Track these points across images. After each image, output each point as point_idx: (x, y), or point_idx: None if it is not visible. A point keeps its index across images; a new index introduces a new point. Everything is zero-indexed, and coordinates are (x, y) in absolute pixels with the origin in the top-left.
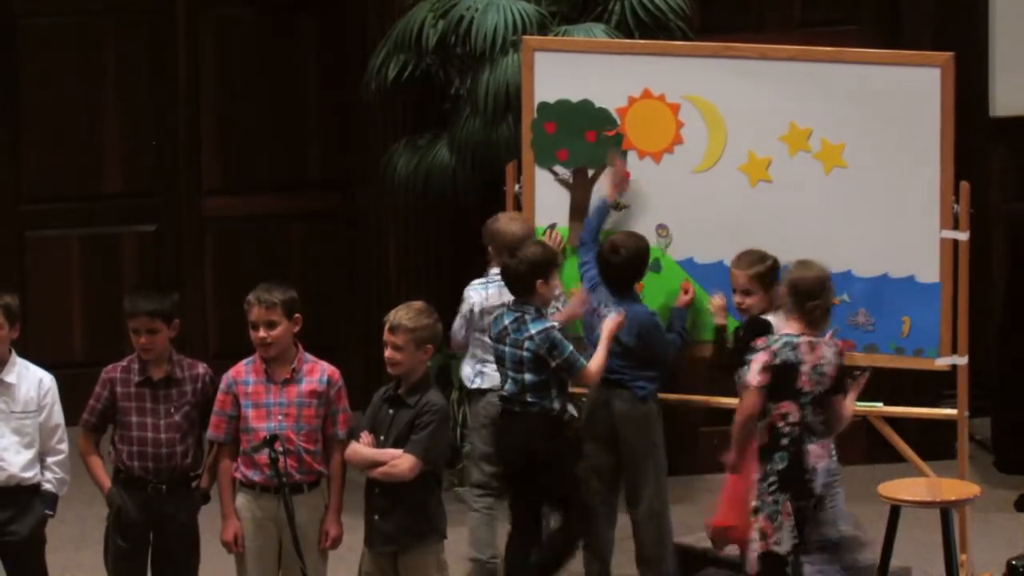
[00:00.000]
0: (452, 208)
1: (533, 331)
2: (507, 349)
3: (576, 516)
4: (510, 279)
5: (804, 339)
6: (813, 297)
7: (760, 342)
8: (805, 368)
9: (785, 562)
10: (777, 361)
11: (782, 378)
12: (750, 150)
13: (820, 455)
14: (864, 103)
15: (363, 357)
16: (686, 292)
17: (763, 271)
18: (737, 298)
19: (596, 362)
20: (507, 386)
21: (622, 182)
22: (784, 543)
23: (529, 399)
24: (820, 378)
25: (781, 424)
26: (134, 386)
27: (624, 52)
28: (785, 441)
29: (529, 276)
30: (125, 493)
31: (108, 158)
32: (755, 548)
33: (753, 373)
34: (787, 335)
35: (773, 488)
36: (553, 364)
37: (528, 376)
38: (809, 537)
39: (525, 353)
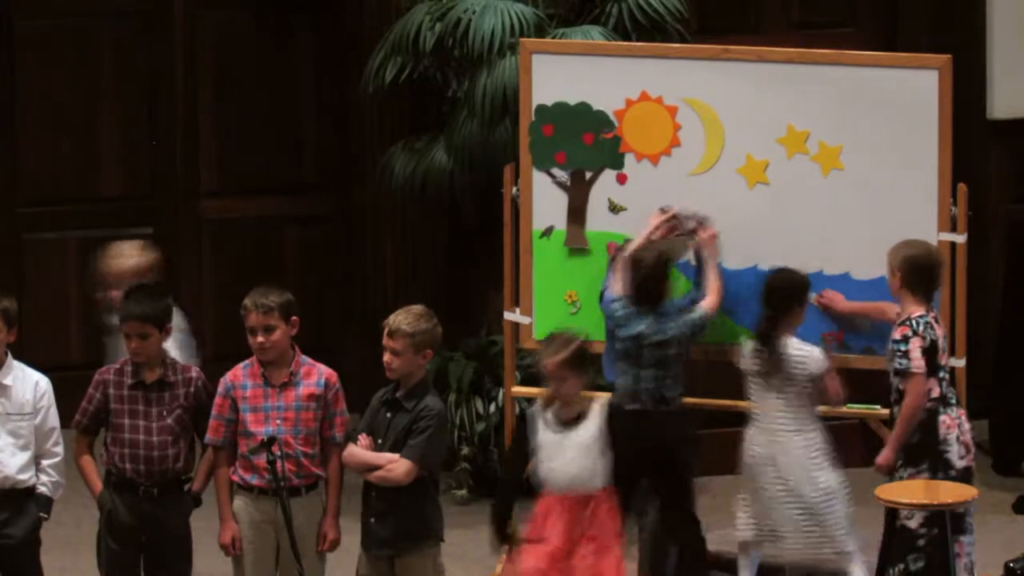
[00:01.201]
0: (449, 211)
1: (674, 325)
2: (647, 349)
3: (690, 514)
4: (648, 286)
5: (931, 315)
6: (935, 270)
7: (903, 331)
8: (942, 343)
9: (917, 535)
10: (927, 343)
11: (929, 358)
12: (748, 152)
13: (951, 425)
14: (862, 105)
15: (360, 359)
16: (704, 229)
17: (570, 355)
18: (552, 386)
19: (712, 294)
20: (644, 384)
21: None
22: (913, 517)
23: (667, 395)
24: (945, 347)
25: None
26: (127, 389)
27: (621, 54)
28: (923, 415)
29: (665, 279)
30: (116, 496)
31: (105, 160)
32: (898, 523)
33: (915, 360)
34: (921, 315)
35: (903, 463)
36: (695, 332)
37: (673, 371)
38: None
39: (671, 351)
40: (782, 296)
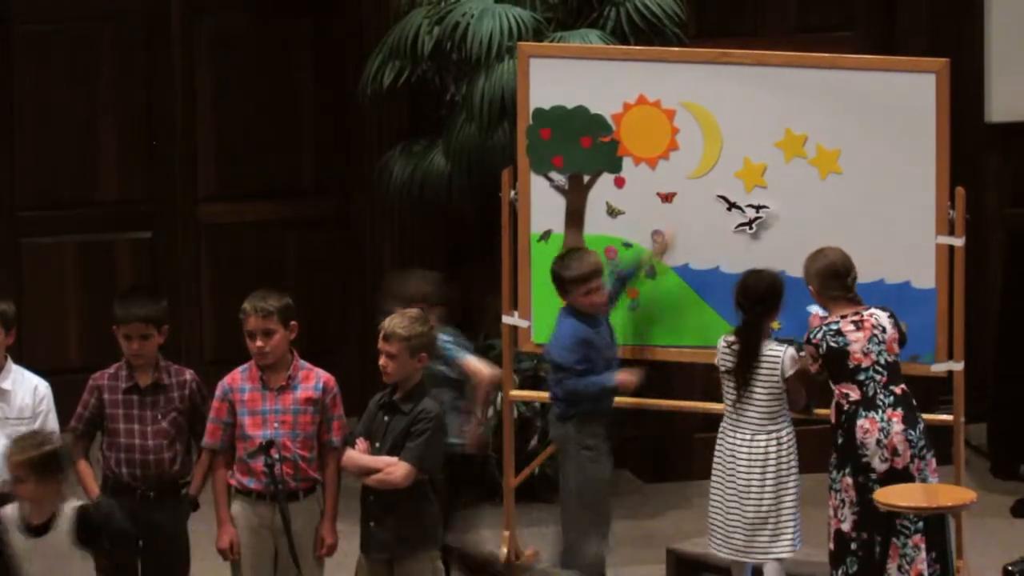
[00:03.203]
0: (448, 214)
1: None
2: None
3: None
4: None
5: (846, 320)
6: (848, 272)
7: (807, 336)
8: (856, 346)
9: (850, 539)
10: (823, 351)
11: (834, 363)
12: (745, 156)
13: (870, 430)
14: (860, 109)
15: (358, 363)
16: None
17: (33, 458)
18: (12, 485)
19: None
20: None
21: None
22: (846, 520)
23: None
24: (880, 347)
25: (843, 403)
26: (121, 393)
27: (619, 58)
28: (843, 419)
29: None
30: (113, 500)
31: (104, 165)
32: (831, 525)
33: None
34: (831, 323)
35: (834, 464)
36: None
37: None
38: None
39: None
40: (765, 299)
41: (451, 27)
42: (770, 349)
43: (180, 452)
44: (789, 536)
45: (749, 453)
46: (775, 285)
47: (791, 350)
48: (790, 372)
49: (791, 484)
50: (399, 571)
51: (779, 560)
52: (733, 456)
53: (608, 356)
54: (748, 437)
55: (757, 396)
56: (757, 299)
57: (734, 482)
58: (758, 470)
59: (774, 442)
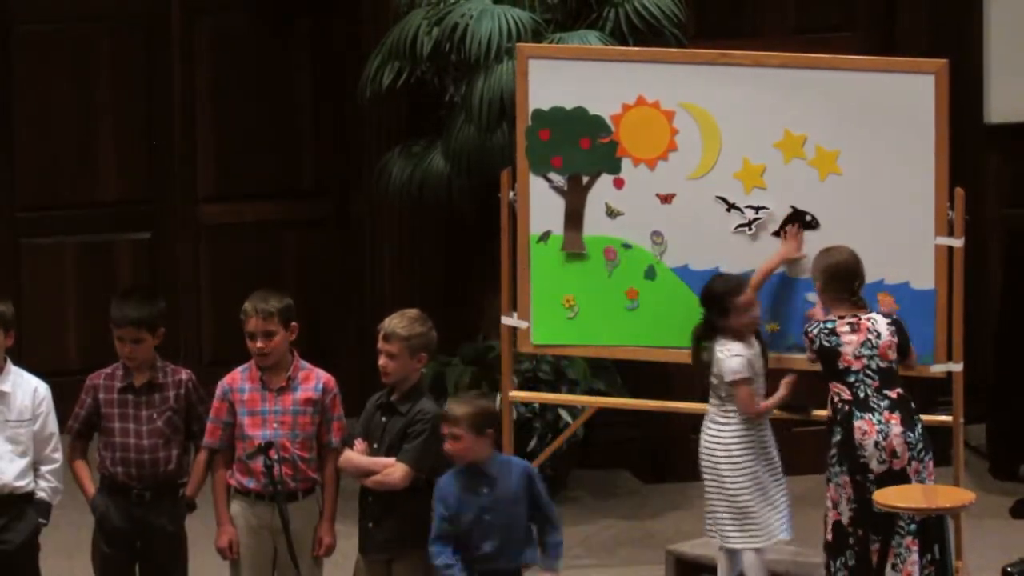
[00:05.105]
0: (447, 215)
1: None
2: None
3: None
4: None
5: (843, 321)
6: (855, 276)
7: (814, 314)
8: (848, 348)
9: (847, 532)
10: (816, 347)
11: (825, 362)
12: (745, 157)
13: (867, 431)
14: (859, 110)
15: (356, 363)
16: None
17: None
18: None
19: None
20: None
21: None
22: (844, 514)
23: None
24: (873, 352)
25: (836, 401)
26: (116, 392)
27: (618, 59)
28: (839, 417)
29: None
30: (109, 500)
31: (103, 165)
32: (829, 517)
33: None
34: (826, 321)
35: (833, 459)
36: None
37: None
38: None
39: None
40: (715, 301)
41: (450, 28)
42: (719, 351)
43: (175, 452)
44: (731, 532)
45: (701, 441)
46: (729, 288)
47: (734, 360)
48: (728, 378)
49: (728, 484)
50: (397, 571)
51: (755, 552)
52: (701, 450)
53: (477, 527)
54: (707, 431)
55: (711, 391)
56: (709, 301)
57: (705, 475)
58: (703, 459)
59: (713, 435)
